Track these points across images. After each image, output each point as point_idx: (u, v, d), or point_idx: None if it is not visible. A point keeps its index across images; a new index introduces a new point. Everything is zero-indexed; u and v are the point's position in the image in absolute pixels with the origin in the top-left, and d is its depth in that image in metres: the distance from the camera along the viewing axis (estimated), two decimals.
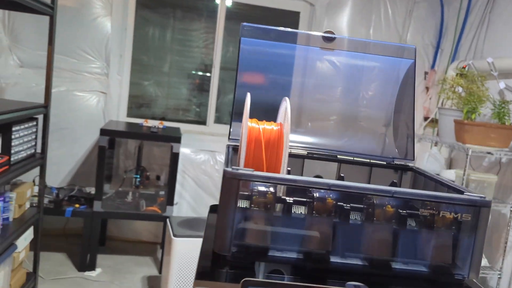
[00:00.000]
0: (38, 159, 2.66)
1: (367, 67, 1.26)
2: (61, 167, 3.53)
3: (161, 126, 3.36)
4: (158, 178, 3.58)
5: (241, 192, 0.79)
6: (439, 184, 1.04)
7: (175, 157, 3.12)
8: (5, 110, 2.20)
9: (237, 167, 0.79)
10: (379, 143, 1.25)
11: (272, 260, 0.84)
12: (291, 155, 1.14)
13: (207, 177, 3.81)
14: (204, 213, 3.30)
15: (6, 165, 2.25)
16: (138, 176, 3.28)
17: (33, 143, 2.63)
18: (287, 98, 0.98)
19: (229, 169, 0.79)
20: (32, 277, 2.70)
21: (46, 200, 3.07)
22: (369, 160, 1.21)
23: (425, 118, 3.64)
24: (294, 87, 1.22)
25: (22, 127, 2.45)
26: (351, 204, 0.84)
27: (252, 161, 0.89)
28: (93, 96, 3.55)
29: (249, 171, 0.79)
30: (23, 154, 2.50)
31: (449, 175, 2.84)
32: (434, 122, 3.42)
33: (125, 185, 3.42)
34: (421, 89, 3.85)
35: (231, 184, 0.78)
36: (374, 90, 1.26)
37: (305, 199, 0.84)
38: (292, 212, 0.85)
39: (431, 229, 0.85)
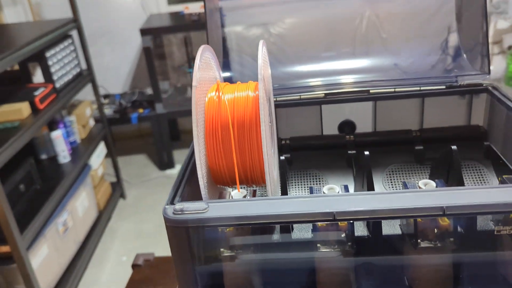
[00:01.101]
0: (86, 76, 2.60)
1: None
2: (119, 71, 3.49)
3: (202, 10, 3.04)
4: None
5: (198, 241, 0.51)
6: None
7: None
8: (30, 39, 2.08)
9: (182, 205, 0.50)
10: (431, 55, 0.84)
11: None
12: (303, 103, 0.82)
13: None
14: (300, 59, 3.11)
15: (53, 93, 2.21)
16: (191, 69, 3.12)
17: (76, 62, 2.54)
18: (262, 42, 0.67)
19: (169, 208, 0.51)
20: (117, 186, 2.87)
21: (110, 111, 3.10)
22: (419, 88, 0.81)
23: None
24: None
25: (57, 49, 2.34)
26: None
27: (223, 162, 0.58)
28: None
29: (200, 208, 0.49)
30: (69, 76, 2.44)
31: None
32: None
33: (181, 80, 3.31)
34: None
35: (177, 235, 0.50)
36: None
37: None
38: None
39: None
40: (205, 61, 0.65)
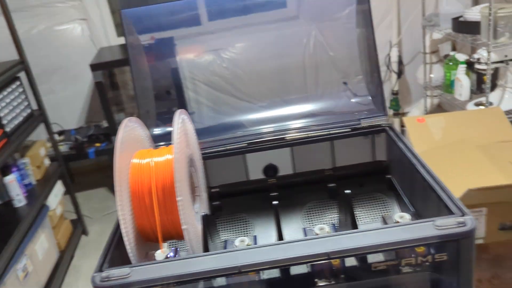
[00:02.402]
0: (38, 116, 2.60)
1: None
2: (73, 106, 3.48)
3: (152, 42, 3.10)
4: (168, 92, 3.43)
5: None
6: (414, 170, 0.75)
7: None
8: None
9: (108, 272, 0.57)
10: (336, 101, 0.95)
11: None
12: (228, 153, 0.91)
13: (218, 77, 3.62)
14: (225, 112, 3.20)
15: (4, 138, 2.21)
16: None
17: (26, 103, 2.54)
18: (179, 112, 0.75)
19: (97, 276, 0.58)
20: (78, 223, 2.86)
21: (66, 147, 3.10)
22: (328, 131, 0.91)
23: None
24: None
25: (4, 93, 2.34)
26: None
27: (149, 223, 0.63)
28: (75, 26, 3.31)
29: (123, 274, 0.55)
30: (20, 119, 2.44)
31: (473, 15, 2.49)
32: None
33: (137, 111, 3.34)
34: None
35: None
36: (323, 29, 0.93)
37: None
38: None
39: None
40: (129, 132, 0.72)
